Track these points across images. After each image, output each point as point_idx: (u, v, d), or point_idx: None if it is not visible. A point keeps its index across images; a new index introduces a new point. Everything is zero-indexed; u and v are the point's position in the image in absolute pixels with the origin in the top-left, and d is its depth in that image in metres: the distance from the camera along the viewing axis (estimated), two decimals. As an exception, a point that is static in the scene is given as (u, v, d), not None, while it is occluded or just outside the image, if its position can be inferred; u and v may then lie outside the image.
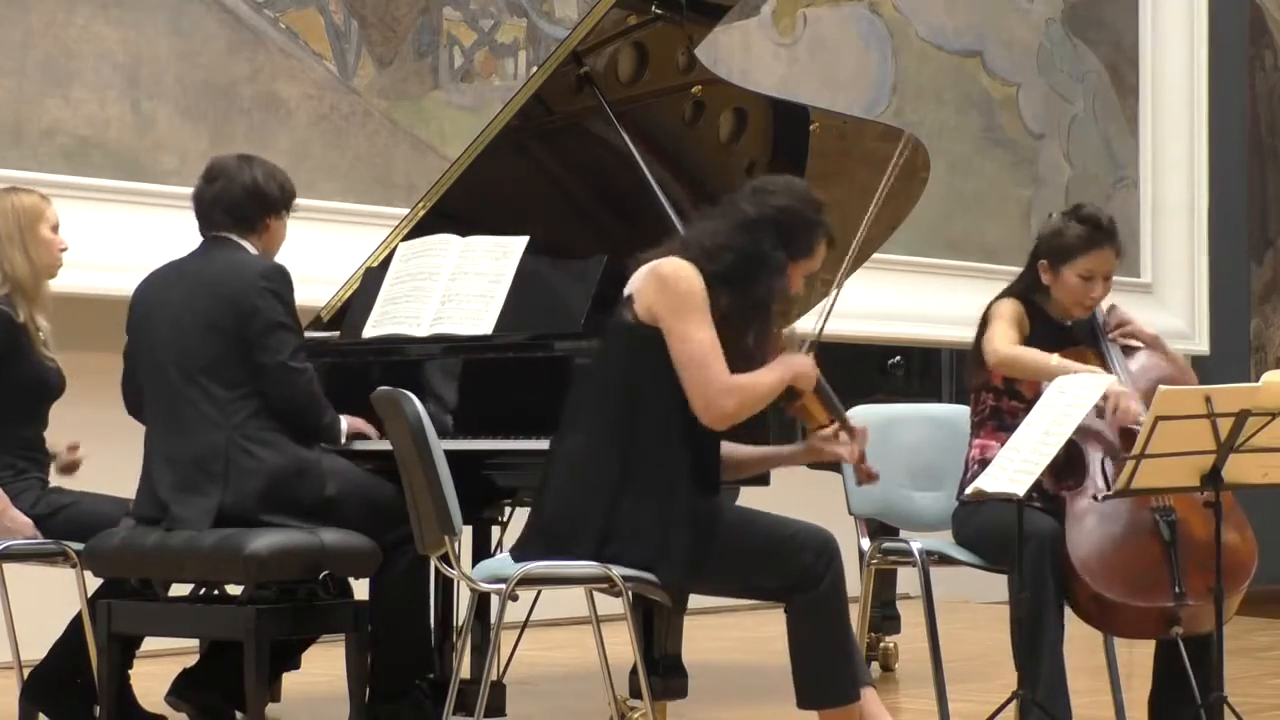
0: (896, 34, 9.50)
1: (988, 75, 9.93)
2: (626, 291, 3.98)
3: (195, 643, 5.08)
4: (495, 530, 4.90)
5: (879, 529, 5.01)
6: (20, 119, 6.64)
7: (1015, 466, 4.04)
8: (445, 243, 5.03)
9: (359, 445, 4.67)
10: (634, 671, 4.31)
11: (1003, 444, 4.17)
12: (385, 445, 4.35)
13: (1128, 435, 4.28)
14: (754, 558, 3.94)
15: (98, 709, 4.57)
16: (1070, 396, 4.12)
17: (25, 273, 4.80)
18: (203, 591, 4.76)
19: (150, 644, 4.89)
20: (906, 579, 5.51)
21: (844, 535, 4.11)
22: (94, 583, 4.75)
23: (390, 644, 4.56)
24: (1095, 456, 4.35)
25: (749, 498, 4.36)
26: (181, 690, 4.72)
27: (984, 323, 4.54)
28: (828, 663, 3.91)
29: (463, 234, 5.03)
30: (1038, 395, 4.23)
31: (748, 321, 3.96)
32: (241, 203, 4.60)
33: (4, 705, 5.04)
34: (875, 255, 6.51)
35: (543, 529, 3.98)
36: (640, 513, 3.90)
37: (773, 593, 3.98)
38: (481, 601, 4.46)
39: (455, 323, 4.85)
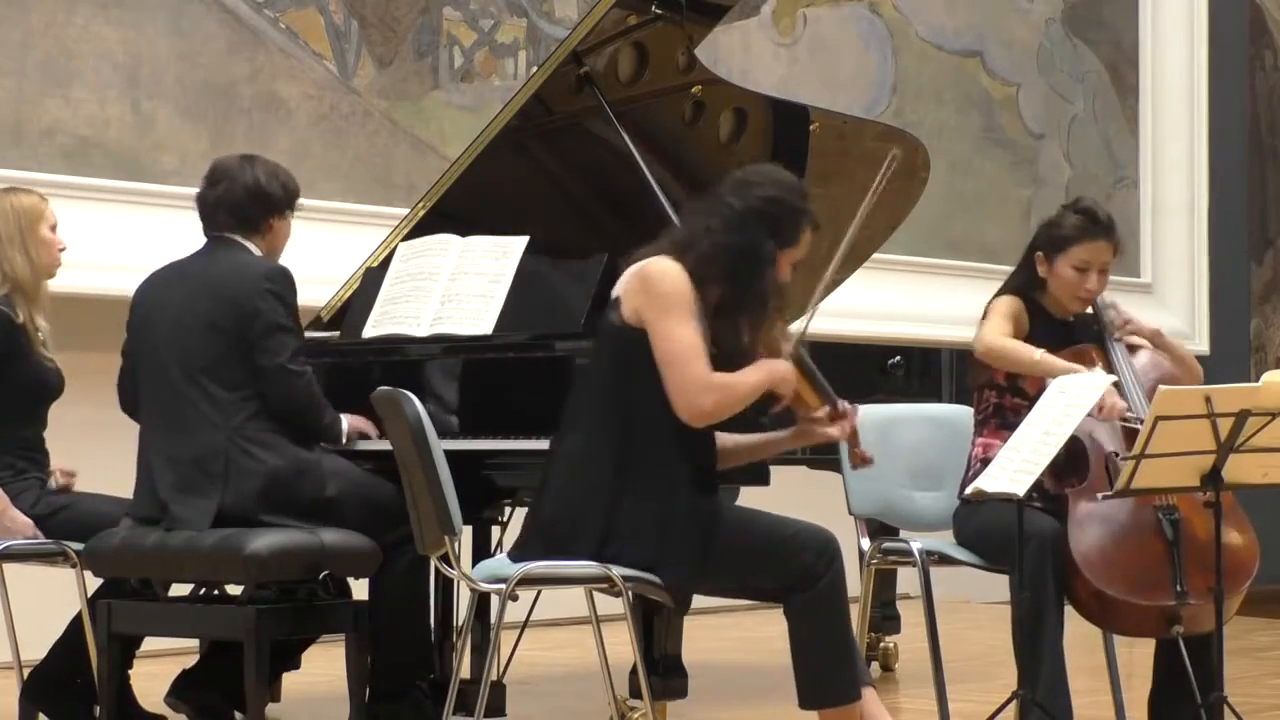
0: (896, 34, 9.51)
1: (988, 75, 9.93)
2: (614, 294, 3.99)
3: (195, 643, 5.08)
4: (495, 530, 4.90)
5: (879, 529, 5.01)
6: (20, 119, 6.64)
7: (1015, 466, 4.04)
8: (445, 243, 5.03)
9: (360, 445, 4.67)
10: (634, 671, 4.31)
11: (1006, 442, 4.17)
12: (385, 445, 4.35)
13: (1129, 434, 4.28)
14: (754, 558, 3.94)
15: (98, 709, 4.57)
16: (1070, 396, 4.12)
17: (25, 273, 4.80)
18: (203, 591, 4.76)
19: (150, 644, 4.89)
20: (906, 579, 5.51)
21: (844, 535, 4.11)
22: (94, 583, 4.75)
23: (390, 644, 4.56)
24: (1097, 455, 4.35)
25: (749, 498, 4.36)
26: (180, 691, 4.71)
27: (984, 318, 4.54)
28: (829, 662, 3.91)
29: (463, 234, 5.03)
30: (1040, 392, 4.24)
31: (742, 314, 3.97)
32: (244, 204, 4.60)
33: (4, 705, 5.04)
34: (875, 255, 6.51)
35: (542, 529, 3.98)
36: (640, 513, 3.90)
37: (773, 593, 3.98)
38: (481, 601, 4.46)
39: (455, 323, 4.85)
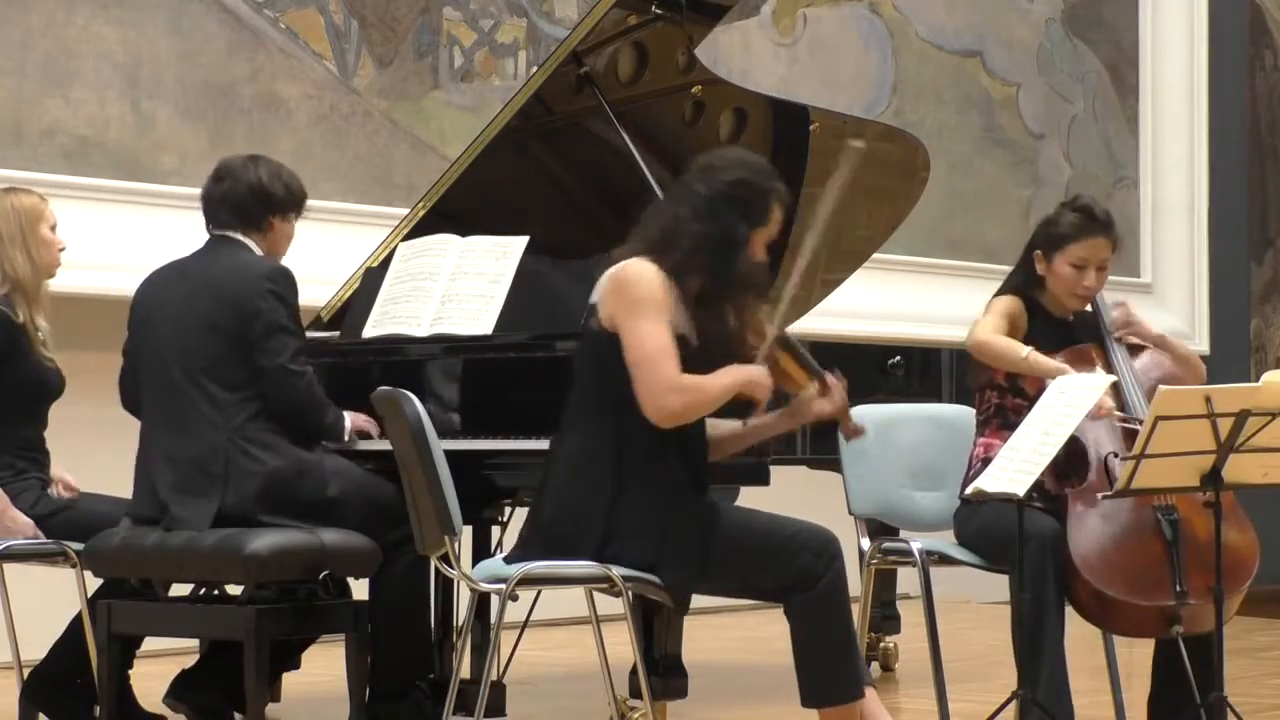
0: (896, 34, 9.51)
1: (988, 75, 9.93)
2: (592, 299, 3.99)
3: (195, 643, 5.08)
4: (495, 530, 4.90)
5: (879, 529, 5.01)
6: (20, 119, 6.64)
7: (1015, 466, 4.04)
8: (445, 243, 5.03)
9: (361, 445, 4.67)
10: (634, 671, 4.31)
11: (1007, 442, 4.17)
12: (385, 445, 4.35)
13: (1129, 434, 4.28)
14: (754, 558, 3.94)
15: (98, 709, 4.57)
16: (1070, 397, 4.12)
17: (26, 273, 4.80)
18: (203, 591, 4.76)
19: (150, 644, 4.89)
20: (906, 579, 5.51)
21: (844, 535, 4.11)
22: (94, 583, 4.75)
23: (390, 644, 4.56)
24: (1097, 455, 4.35)
25: (749, 497, 4.36)
26: (180, 691, 4.71)
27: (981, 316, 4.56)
28: (830, 661, 3.91)
29: (463, 234, 5.03)
30: (1041, 392, 4.24)
31: (723, 299, 3.97)
32: (246, 201, 4.61)
33: (4, 705, 5.04)
34: (875, 255, 6.51)
35: (543, 529, 3.98)
36: (639, 513, 3.91)
37: (773, 593, 3.98)
38: (481, 601, 4.46)
39: (455, 323, 4.85)
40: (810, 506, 4.57)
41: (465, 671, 4.46)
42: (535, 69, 6.57)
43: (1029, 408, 4.21)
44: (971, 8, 9.83)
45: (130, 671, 4.78)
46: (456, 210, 5.33)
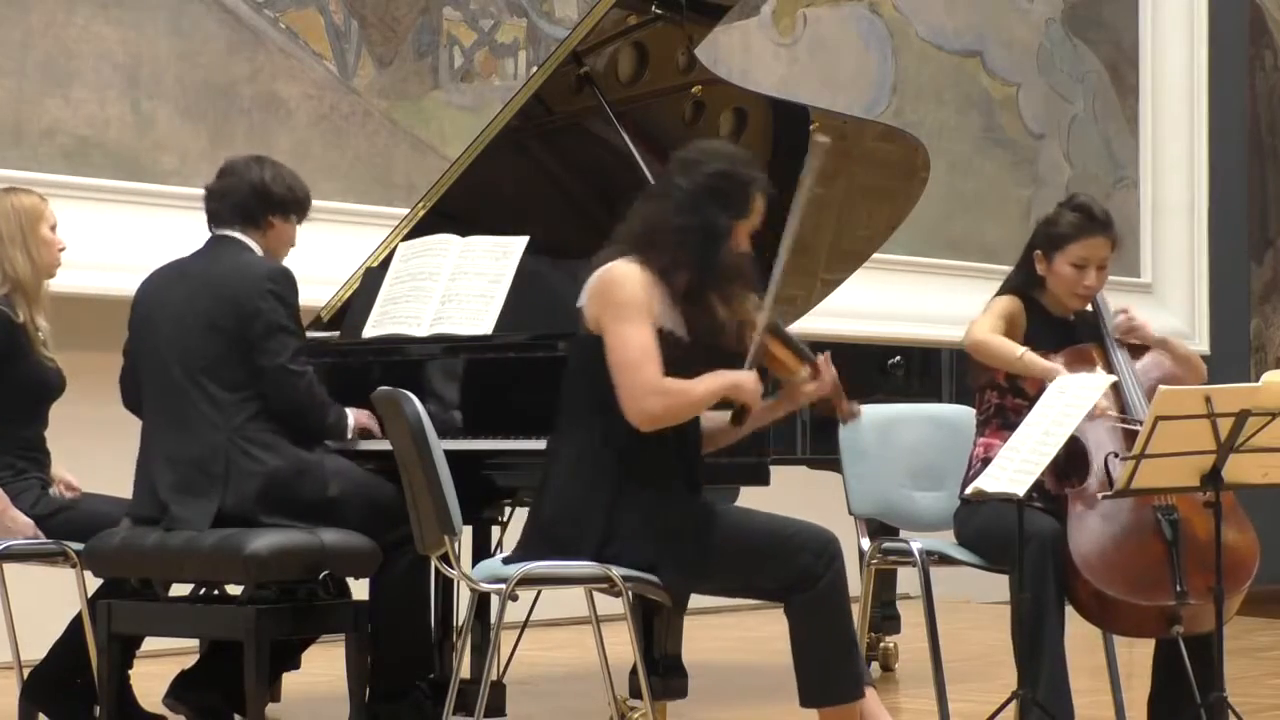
0: (896, 34, 9.51)
1: (988, 75, 9.93)
2: (579, 304, 4.00)
3: (195, 643, 5.08)
4: (495, 530, 4.90)
5: (879, 529, 5.01)
6: (20, 119, 6.64)
7: (1015, 466, 4.04)
8: (445, 243, 5.03)
9: (363, 445, 4.66)
10: (634, 671, 4.31)
11: (1007, 442, 4.17)
12: (386, 445, 4.35)
13: (1129, 434, 4.28)
14: (754, 558, 3.94)
15: (98, 709, 4.57)
16: (1070, 397, 4.12)
17: (27, 273, 4.81)
18: (203, 591, 4.76)
19: (150, 644, 4.89)
20: (906, 579, 5.51)
21: (844, 535, 4.11)
22: (94, 583, 4.75)
23: (390, 644, 4.56)
24: (1097, 455, 4.35)
25: (749, 497, 4.36)
26: (179, 692, 4.71)
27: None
28: (830, 661, 3.91)
29: (463, 234, 5.03)
30: (1041, 391, 4.24)
31: (710, 292, 3.97)
32: (246, 198, 4.61)
33: (4, 705, 5.04)
34: (875, 255, 6.52)
35: (543, 530, 3.98)
36: (636, 514, 3.91)
37: (774, 592, 3.98)
38: (481, 601, 4.46)
39: (455, 323, 4.85)
40: (810, 506, 4.57)
41: (465, 671, 4.46)
42: (535, 69, 6.57)
43: (1029, 408, 4.21)
44: (971, 8, 9.83)
45: (130, 671, 4.78)
46: (456, 210, 5.33)
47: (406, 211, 5.54)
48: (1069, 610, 4.28)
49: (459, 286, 4.91)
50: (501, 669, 4.86)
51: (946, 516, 4.65)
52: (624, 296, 3.90)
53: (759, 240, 4.12)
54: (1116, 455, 4.29)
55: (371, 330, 5.00)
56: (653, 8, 5.41)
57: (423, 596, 4.69)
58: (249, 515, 4.38)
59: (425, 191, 5.49)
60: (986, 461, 4.26)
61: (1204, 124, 10.73)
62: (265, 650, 4.31)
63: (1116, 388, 4.40)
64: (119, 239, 6.60)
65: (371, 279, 5.16)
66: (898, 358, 5.79)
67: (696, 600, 4.36)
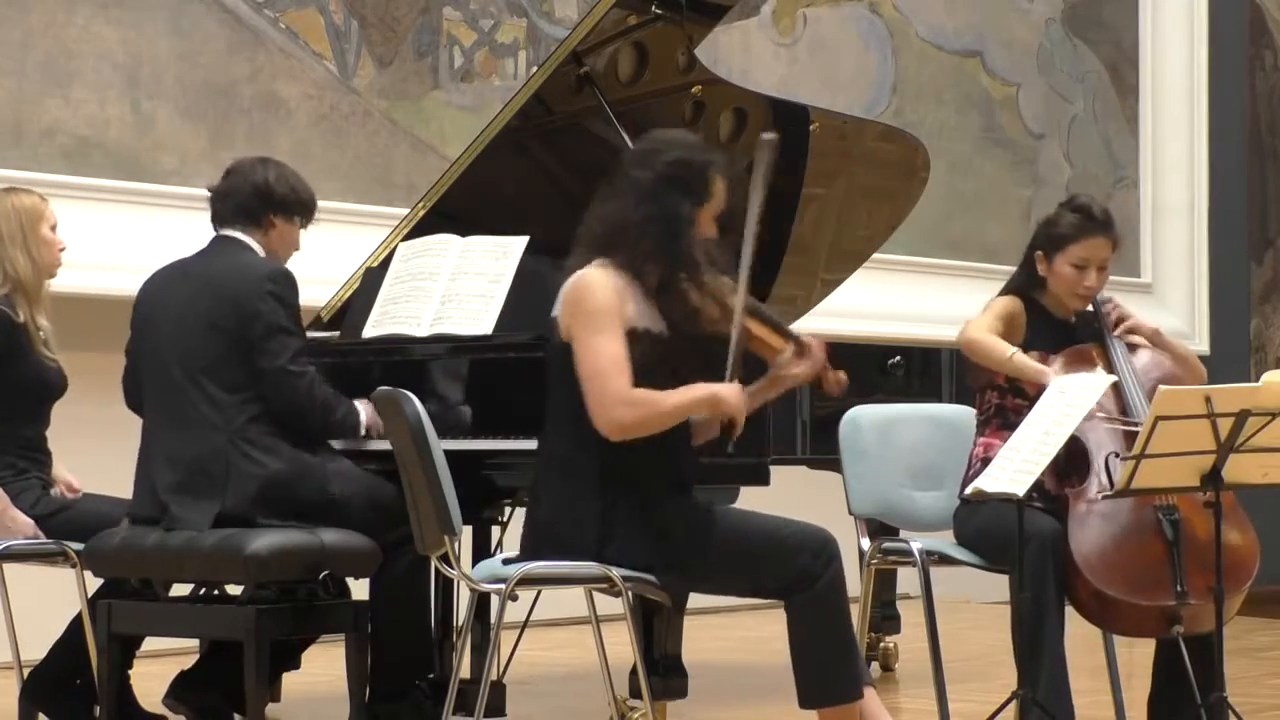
0: (896, 34, 9.51)
1: (988, 75, 9.93)
2: (553, 314, 3.99)
3: (195, 643, 5.08)
4: (495, 530, 4.90)
5: (879, 529, 5.01)
6: (20, 119, 6.64)
7: (1015, 466, 4.04)
8: (445, 243, 5.02)
9: (369, 445, 4.65)
10: (634, 671, 4.31)
11: (1007, 442, 4.17)
12: (386, 445, 4.35)
13: (1129, 435, 4.28)
14: (752, 559, 3.93)
15: (98, 709, 4.57)
16: (1070, 396, 4.12)
17: (28, 273, 4.81)
18: (203, 591, 4.76)
19: (150, 644, 4.89)
20: (906, 579, 5.51)
21: (844, 535, 4.11)
22: (94, 583, 4.75)
23: (390, 644, 4.56)
24: (1098, 455, 4.35)
25: (749, 497, 4.36)
26: (179, 692, 4.71)
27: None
28: (828, 662, 3.91)
29: (463, 234, 5.03)
30: (1041, 392, 4.24)
31: (680, 280, 3.96)
32: (249, 198, 4.61)
33: (4, 705, 5.04)
34: (875, 255, 6.52)
35: (541, 530, 3.98)
36: (627, 516, 3.91)
37: (773, 592, 3.98)
38: (481, 601, 4.45)
39: (455, 323, 4.85)
40: (810, 506, 4.57)
41: (465, 671, 4.46)
42: (535, 69, 6.57)
43: (1029, 408, 4.21)
44: (971, 8, 9.83)
45: (130, 671, 4.78)
46: (456, 210, 5.32)
47: (406, 211, 5.54)
48: (1069, 610, 4.28)
49: (459, 286, 4.91)
50: (501, 669, 4.86)
51: (946, 516, 4.65)
52: (593, 305, 3.90)
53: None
54: (1117, 455, 4.29)
55: (371, 330, 5.00)
56: (653, 8, 5.41)
57: (423, 596, 4.69)
58: (248, 517, 4.37)
59: (425, 191, 5.49)
60: (986, 461, 4.26)
61: (1204, 124, 10.73)
62: (265, 650, 4.31)
63: (1117, 388, 4.40)
64: (119, 239, 6.60)
65: (371, 279, 5.16)
66: (898, 358, 5.79)
67: (696, 600, 4.36)
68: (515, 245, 4.93)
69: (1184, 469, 3.99)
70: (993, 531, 4.33)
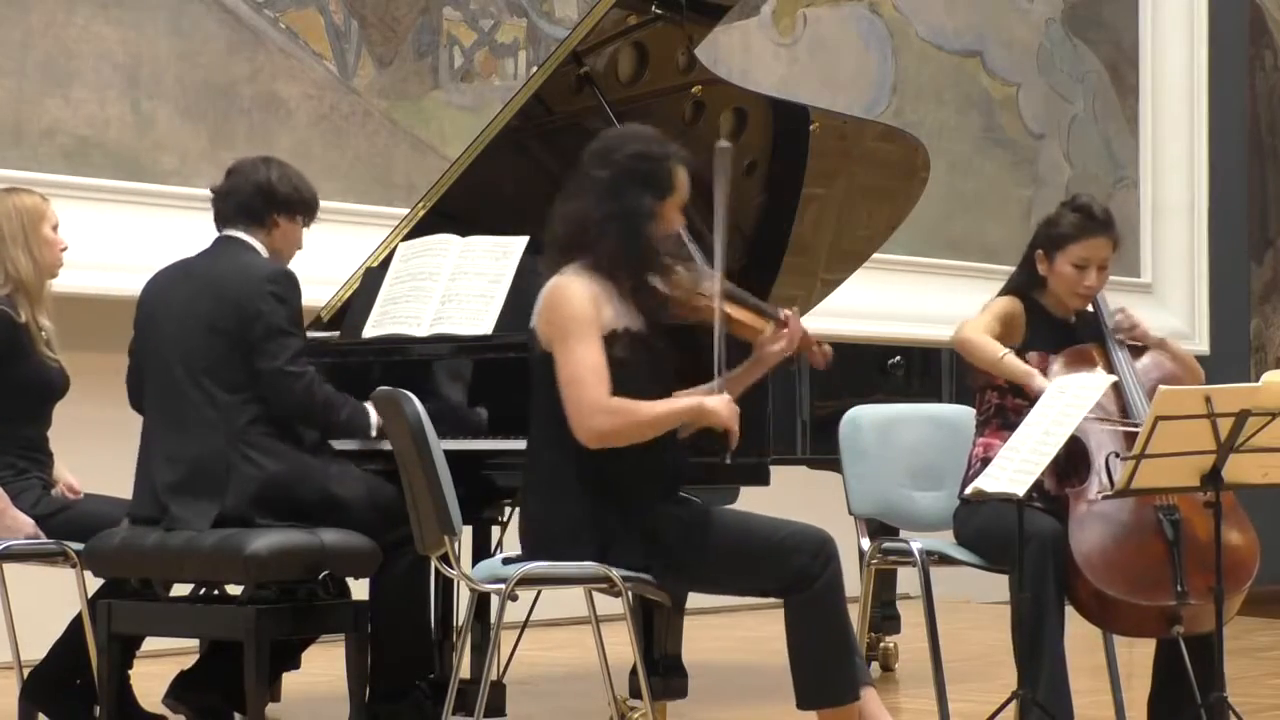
0: (896, 34, 9.51)
1: (988, 75, 9.93)
2: (531, 323, 3.99)
3: (195, 643, 5.08)
4: (495, 530, 4.90)
5: (879, 529, 5.01)
6: (20, 119, 6.64)
7: (1015, 466, 4.04)
8: (445, 243, 5.02)
9: (381, 445, 4.65)
10: (634, 671, 4.31)
11: (1006, 442, 4.17)
12: (386, 445, 4.35)
13: (1129, 435, 4.28)
14: (749, 561, 3.93)
15: (98, 709, 4.57)
16: (1070, 396, 4.12)
17: (29, 273, 4.81)
18: (203, 591, 4.76)
19: (150, 644, 4.89)
20: (906, 579, 5.51)
21: (844, 535, 4.11)
22: (94, 583, 4.75)
23: (390, 644, 4.56)
24: (1098, 455, 4.35)
25: (749, 497, 4.36)
26: (179, 692, 4.71)
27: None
28: (826, 663, 3.91)
29: (463, 234, 5.03)
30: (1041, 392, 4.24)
31: (648, 275, 3.96)
32: (251, 198, 4.60)
33: (4, 705, 5.04)
34: (875, 255, 6.52)
35: (539, 531, 3.98)
36: (621, 519, 3.91)
37: (771, 593, 3.98)
38: (481, 601, 4.46)
39: (455, 323, 4.85)
40: (810, 506, 4.57)
41: (465, 671, 4.46)
42: (535, 69, 6.57)
43: (1029, 408, 4.21)
44: (971, 8, 9.83)
45: (130, 671, 4.78)
46: (456, 210, 5.32)
47: (406, 211, 5.54)
48: (1069, 610, 4.28)
49: (459, 286, 4.91)
50: (501, 669, 4.86)
51: (946, 516, 4.65)
52: (570, 314, 3.89)
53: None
54: (1117, 455, 4.29)
55: (371, 330, 5.00)
56: (653, 8, 5.41)
57: (423, 596, 4.69)
58: (248, 518, 4.37)
59: (425, 191, 5.49)
60: (986, 461, 4.26)
61: (1204, 124, 10.73)
62: (265, 650, 4.31)
63: (1117, 388, 4.40)
64: (119, 239, 6.60)
65: (371, 279, 5.16)
66: (898, 358, 5.78)
67: (696, 600, 4.36)
68: (515, 245, 4.93)
69: (1184, 469, 3.99)
70: (993, 531, 4.33)
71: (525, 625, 5.24)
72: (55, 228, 4.91)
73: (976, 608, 7.66)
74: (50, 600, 4.92)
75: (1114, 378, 4.32)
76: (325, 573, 4.45)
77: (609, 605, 4.24)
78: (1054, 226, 4.55)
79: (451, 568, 4.01)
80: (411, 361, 4.86)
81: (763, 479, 4.70)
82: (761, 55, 8.89)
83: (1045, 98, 10.18)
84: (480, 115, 7.12)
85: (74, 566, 4.67)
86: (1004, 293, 4.63)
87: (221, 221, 4.65)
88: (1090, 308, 4.61)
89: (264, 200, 4.61)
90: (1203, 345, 10.50)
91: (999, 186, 9.94)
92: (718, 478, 4.39)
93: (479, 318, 4.83)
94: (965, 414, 4.78)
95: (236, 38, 7.17)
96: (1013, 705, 4.14)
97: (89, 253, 6.04)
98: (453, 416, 4.71)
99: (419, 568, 4.52)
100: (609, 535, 3.90)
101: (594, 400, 3.84)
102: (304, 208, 4.67)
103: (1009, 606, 4.23)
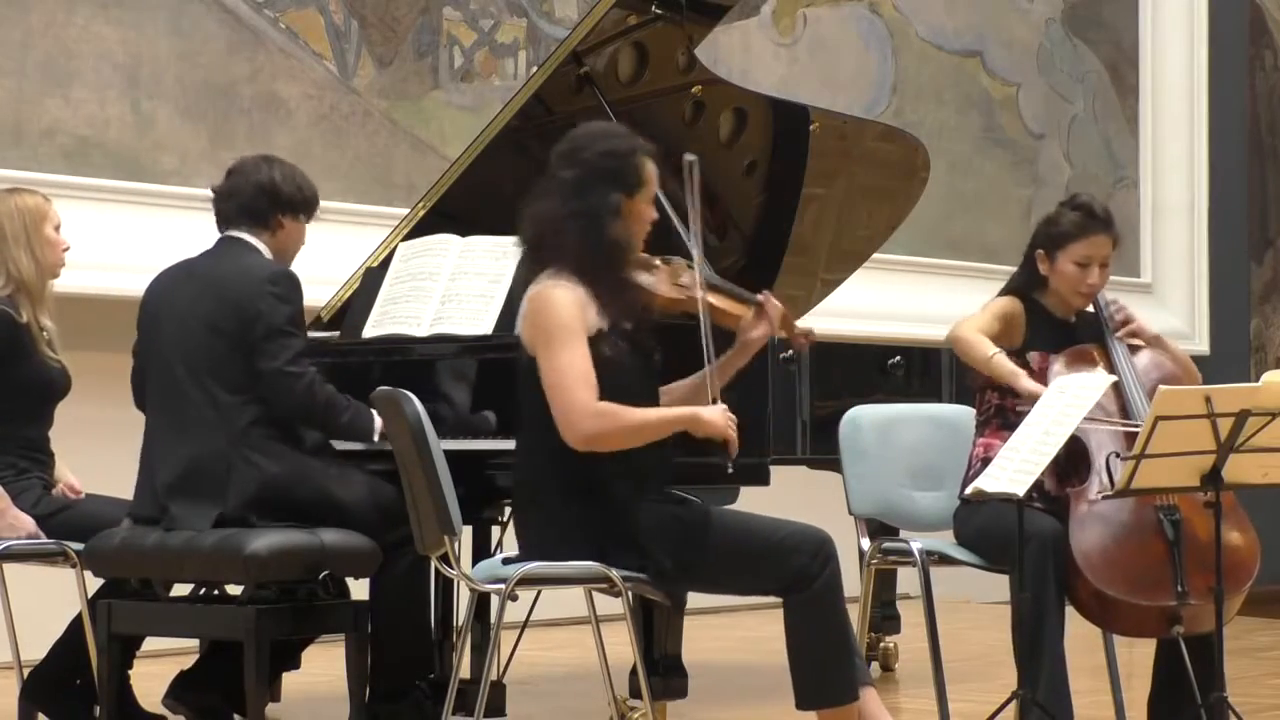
0: (896, 34, 9.51)
1: (988, 75, 9.93)
2: (515, 330, 4.00)
3: (195, 643, 5.08)
4: (495, 530, 4.90)
5: (879, 529, 5.01)
6: (20, 119, 6.64)
7: (1015, 466, 4.04)
8: (445, 243, 5.02)
9: (377, 447, 4.65)
10: (634, 671, 4.31)
11: (1006, 442, 4.18)
12: (386, 446, 4.35)
13: (1130, 435, 4.28)
14: (748, 561, 3.93)
15: (98, 709, 4.57)
16: (1070, 396, 4.12)
17: (31, 273, 4.81)
18: (203, 591, 4.76)
19: (150, 644, 4.89)
20: (906, 579, 5.51)
21: (844, 535, 4.11)
22: (94, 583, 4.75)
23: (390, 644, 4.56)
24: (1099, 455, 4.35)
25: (749, 497, 4.36)
26: (179, 692, 4.71)
27: None
28: (824, 663, 3.91)
29: (463, 234, 5.03)
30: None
31: (618, 270, 3.96)
32: (254, 198, 4.60)
33: (4, 705, 5.04)
34: (875, 255, 6.52)
35: (533, 537, 3.98)
36: (616, 520, 3.91)
37: (772, 592, 3.98)
38: (481, 601, 4.45)
39: (455, 323, 4.85)
40: (810, 506, 4.57)
41: (465, 671, 4.46)
42: (535, 69, 6.57)
43: (1029, 408, 4.21)
44: (971, 8, 9.83)
45: (130, 671, 4.78)
46: (456, 210, 5.32)
47: (406, 211, 5.54)
48: (1069, 610, 4.28)
49: (459, 286, 4.91)
50: (501, 669, 4.86)
51: (946, 516, 4.65)
52: (552, 319, 3.89)
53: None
54: (1118, 455, 4.29)
55: (371, 330, 5.00)
56: (653, 8, 5.41)
57: (423, 596, 4.69)
58: (248, 519, 4.37)
59: (425, 191, 5.49)
60: (986, 461, 4.26)
61: (1204, 124, 10.73)
62: (265, 650, 4.31)
63: (1118, 388, 4.40)
64: (119, 239, 6.60)
65: (371, 279, 5.16)
66: (898, 358, 5.78)
67: (696, 600, 4.36)
68: (515, 245, 4.92)
69: (1184, 469, 3.99)
70: (993, 531, 4.33)
71: (525, 625, 5.24)
72: (57, 228, 4.91)
73: (976, 608, 7.66)
74: (50, 600, 4.92)
75: (1114, 378, 4.32)
76: (325, 573, 4.45)
77: (609, 605, 4.24)
78: (1054, 225, 4.55)
79: (451, 568, 4.01)
80: (411, 361, 4.86)
81: (763, 479, 4.70)
82: (761, 55, 8.89)
83: (1045, 98, 10.18)
84: (480, 115, 7.12)
85: (74, 566, 4.67)
86: (1004, 293, 4.63)
87: (224, 222, 4.65)
88: (1091, 307, 4.61)
89: (268, 201, 4.60)
90: (1203, 345, 10.50)
91: (999, 186, 9.94)
92: (717, 478, 4.38)
93: (479, 318, 4.83)
94: (965, 414, 4.78)
95: (236, 38, 7.17)
96: (1013, 705, 4.14)
97: (89, 253, 6.03)
98: (453, 416, 4.72)
99: (419, 568, 4.52)
100: (602, 537, 3.90)
101: (581, 404, 3.84)
102: (306, 206, 4.68)
103: (1009, 606, 4.23)
